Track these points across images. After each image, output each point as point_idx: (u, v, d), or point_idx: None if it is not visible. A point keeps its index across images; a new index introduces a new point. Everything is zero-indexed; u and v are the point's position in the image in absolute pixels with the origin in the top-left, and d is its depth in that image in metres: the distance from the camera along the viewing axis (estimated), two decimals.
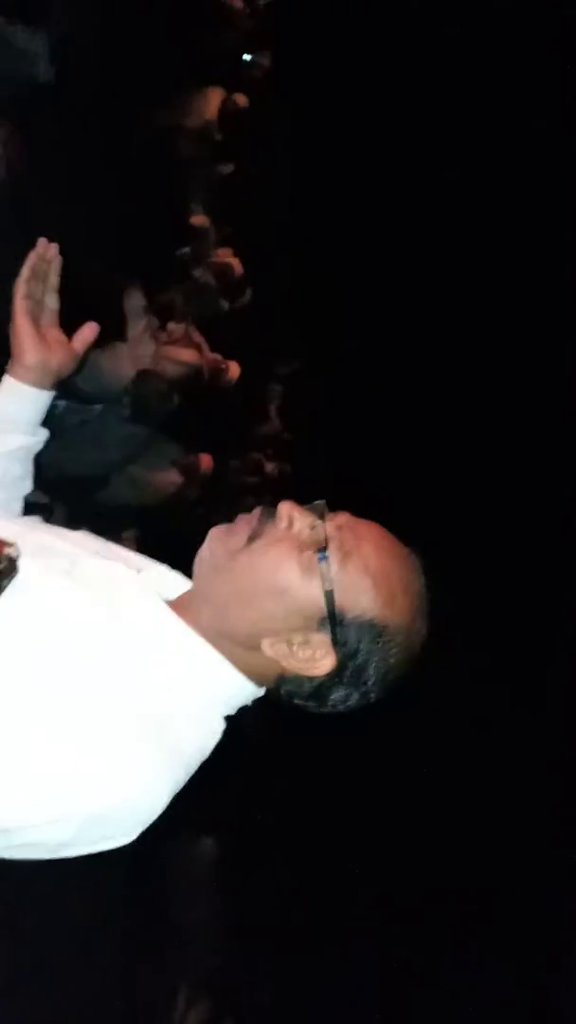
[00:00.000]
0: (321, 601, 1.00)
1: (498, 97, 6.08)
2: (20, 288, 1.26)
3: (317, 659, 1.01)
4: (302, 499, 1.08)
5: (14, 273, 1.26)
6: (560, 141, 5.96)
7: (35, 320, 1.27)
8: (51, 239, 1.30)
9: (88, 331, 1.32)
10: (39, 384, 1.28)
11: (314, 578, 1.00)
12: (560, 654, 6.22)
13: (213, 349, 4.68)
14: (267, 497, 4.43)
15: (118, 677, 0.96)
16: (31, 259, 1.28)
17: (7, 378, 1.29)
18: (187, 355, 4.02)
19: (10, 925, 2.79)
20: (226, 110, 5.24)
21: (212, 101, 5.27)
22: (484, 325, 6.61)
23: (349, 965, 5.02)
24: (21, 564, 0.99)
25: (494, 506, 6.71)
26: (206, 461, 4.65)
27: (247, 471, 6.01)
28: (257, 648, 1.02)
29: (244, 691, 1.05)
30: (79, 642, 0.96)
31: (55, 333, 1.29)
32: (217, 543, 1.05)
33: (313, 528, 1.02)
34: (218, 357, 4.76)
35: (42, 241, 1.29)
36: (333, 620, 1.00)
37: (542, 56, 5.81)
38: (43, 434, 1.32)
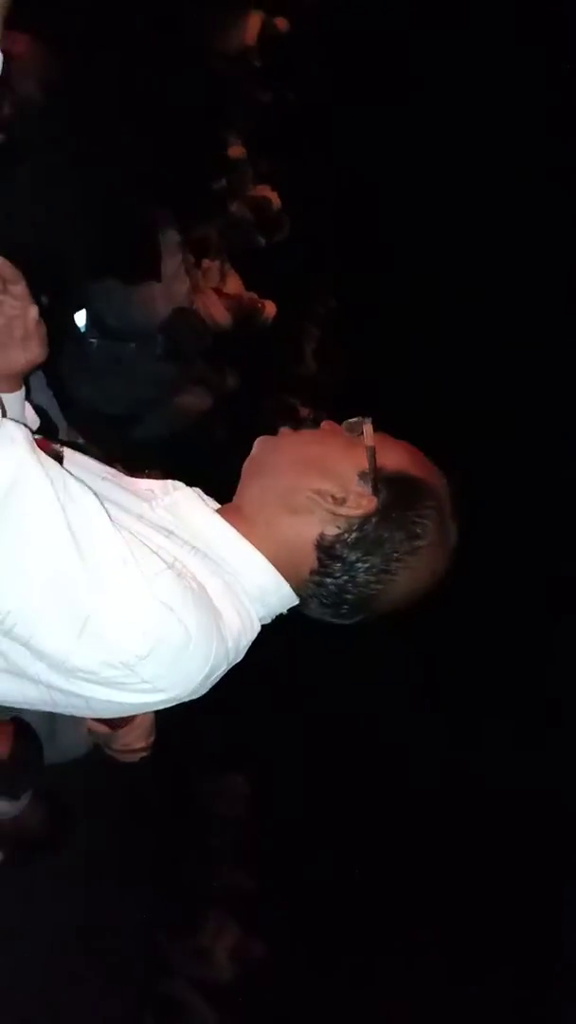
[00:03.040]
0: (362, 457, 1.08)
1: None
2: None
3: (358, 504, 1.06)
4: None
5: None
6: None
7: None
8: (83, 171, 1.22)
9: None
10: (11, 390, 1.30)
11: (356, 444, 1.10)
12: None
13: (249, 287, 4.57)
14: None
15: (164, 551, 0.98)
16: None
17: None
18: (220, 315, 3.94)
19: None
20: (266, 35, 5.05)
21: (251, 25, 5.07)
22: (526, 257, 6.35)
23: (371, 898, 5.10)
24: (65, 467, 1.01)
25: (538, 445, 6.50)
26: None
27: (281, 415, 5.91)
28: (297, 511, 1.08)
29: (279, 589, 1.08)
30: (127, 519, 1.00)
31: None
32: (264, 440, 1.17)
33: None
34: (255, 296, 4.65)
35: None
36: (374, 467, 1.07)
37: None
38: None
